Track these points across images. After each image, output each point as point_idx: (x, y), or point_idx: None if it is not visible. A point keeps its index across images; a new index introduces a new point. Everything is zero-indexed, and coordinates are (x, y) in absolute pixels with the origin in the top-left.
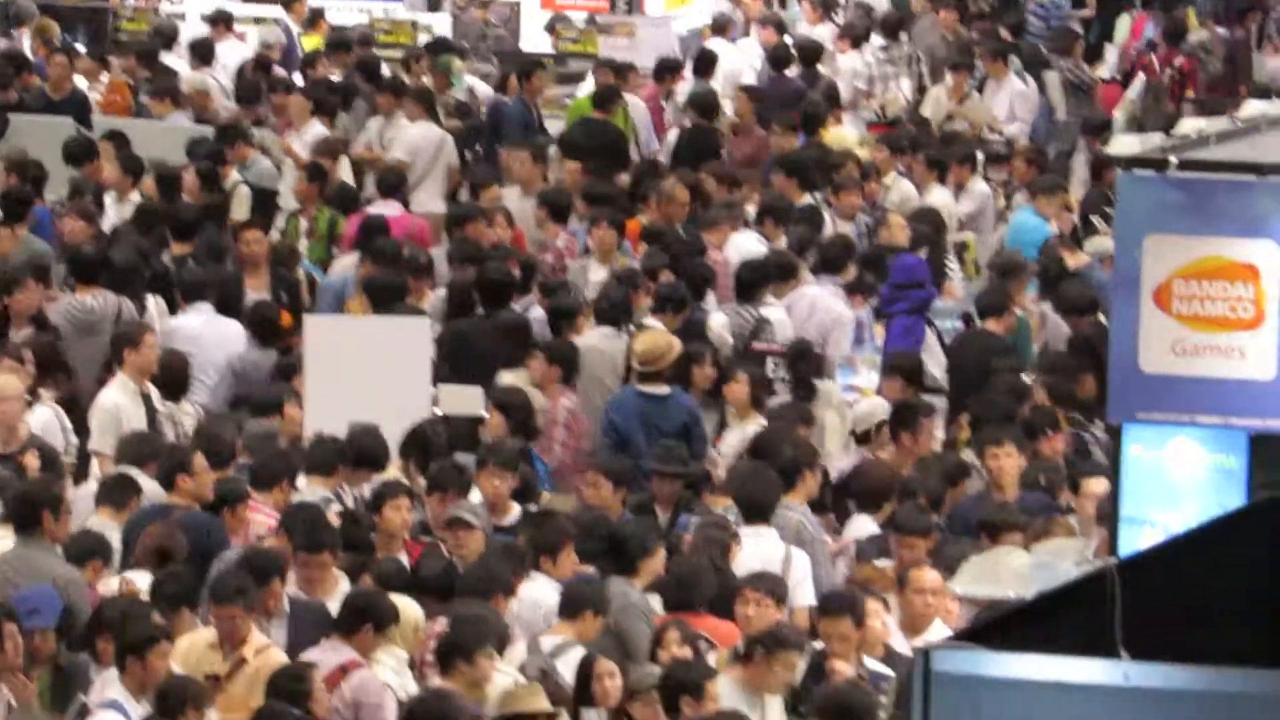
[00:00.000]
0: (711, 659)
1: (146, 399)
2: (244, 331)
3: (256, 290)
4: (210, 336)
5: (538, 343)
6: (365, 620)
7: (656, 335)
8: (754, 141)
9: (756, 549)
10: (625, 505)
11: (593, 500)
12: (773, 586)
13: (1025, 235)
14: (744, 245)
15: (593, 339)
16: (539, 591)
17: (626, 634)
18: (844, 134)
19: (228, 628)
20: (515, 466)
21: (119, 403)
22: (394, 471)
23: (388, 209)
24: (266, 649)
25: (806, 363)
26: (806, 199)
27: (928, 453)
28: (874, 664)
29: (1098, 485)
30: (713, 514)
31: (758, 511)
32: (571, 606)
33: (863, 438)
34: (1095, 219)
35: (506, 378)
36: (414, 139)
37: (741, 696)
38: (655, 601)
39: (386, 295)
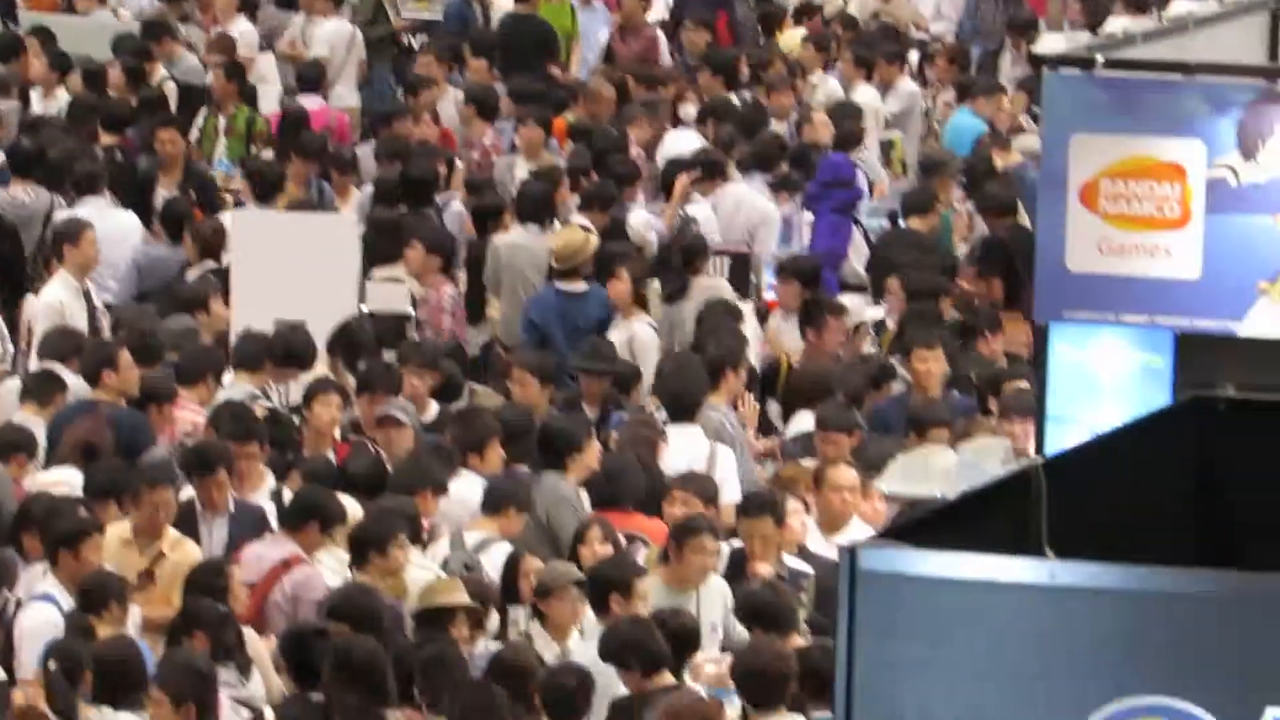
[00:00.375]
0: (641, 556)
1: (87, 295)
2: (139, 224)
3: (170, 190)
4: (105, 230)
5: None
6: (311, 517)
7: (572, 232)
8: (643, 41)
9: (682, 447)
10: (552, 402)
11: (519, 397)
12: (701, 486)
13: (963, 136)
14: (684, 144)
15: (516, 236)
16: (466, 488)
17: (557, 528)
18: (796, 37)
19: (151, 517)
20: (436, 364)
21: (62, 299)
22: (322, 369)
23: (309, 103)
24: (181, 543)
25: (743, 263)
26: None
27: (846, 352)
28: (794, 562)
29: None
30: (641, 411)
31: (683, 410)
32: (494, 502)
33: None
34: (1024, 118)
35: (380, 273)
36: (329, 34)
37: (668, 594)
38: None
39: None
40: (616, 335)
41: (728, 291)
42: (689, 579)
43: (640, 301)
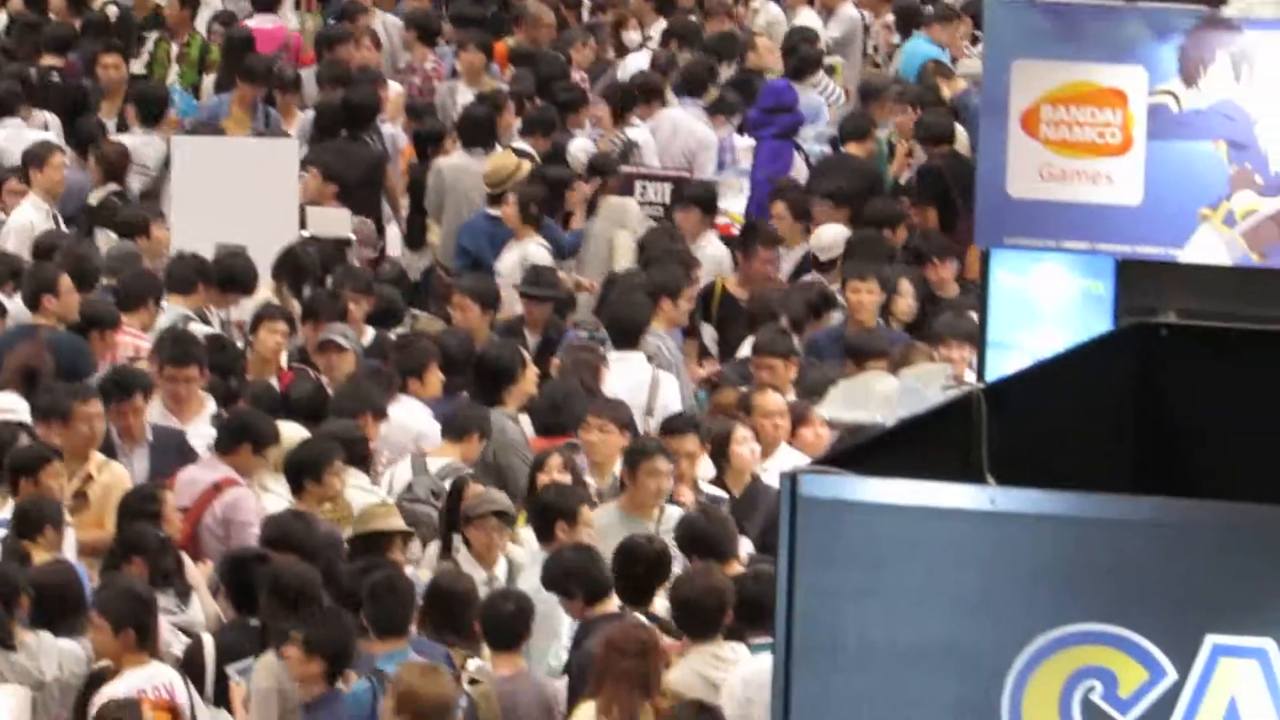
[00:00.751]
0: (593, 484)
1: (55, 219)
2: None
3: (110, 116)
4: (16, 150)
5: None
6: (243, 439)
7: (504, 156)
8: None
9: (625, 373)
10: (492, 327)
11: (460, 323)
12: (617, 413)
13: (915, 63)
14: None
15: (459, 160)
16: (406, 413)
17: (505, 469)
18: None
19: (82, 435)
20: (371, 290)
21: (33, 220)
22: (266, 293)
23: (262, 22)
24: (108, 465)
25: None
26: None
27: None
28: (709, 488)
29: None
30: (582, 337)
31: (626, 336)
32: (456, 428)
33: (826, 265)
34: (966, 44)
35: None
36: None
37: (625, 520)
38: (526, 423)
39: None
40: (510, 256)
41: (634, 210)
42: (645, 503)
43: (532, 221)
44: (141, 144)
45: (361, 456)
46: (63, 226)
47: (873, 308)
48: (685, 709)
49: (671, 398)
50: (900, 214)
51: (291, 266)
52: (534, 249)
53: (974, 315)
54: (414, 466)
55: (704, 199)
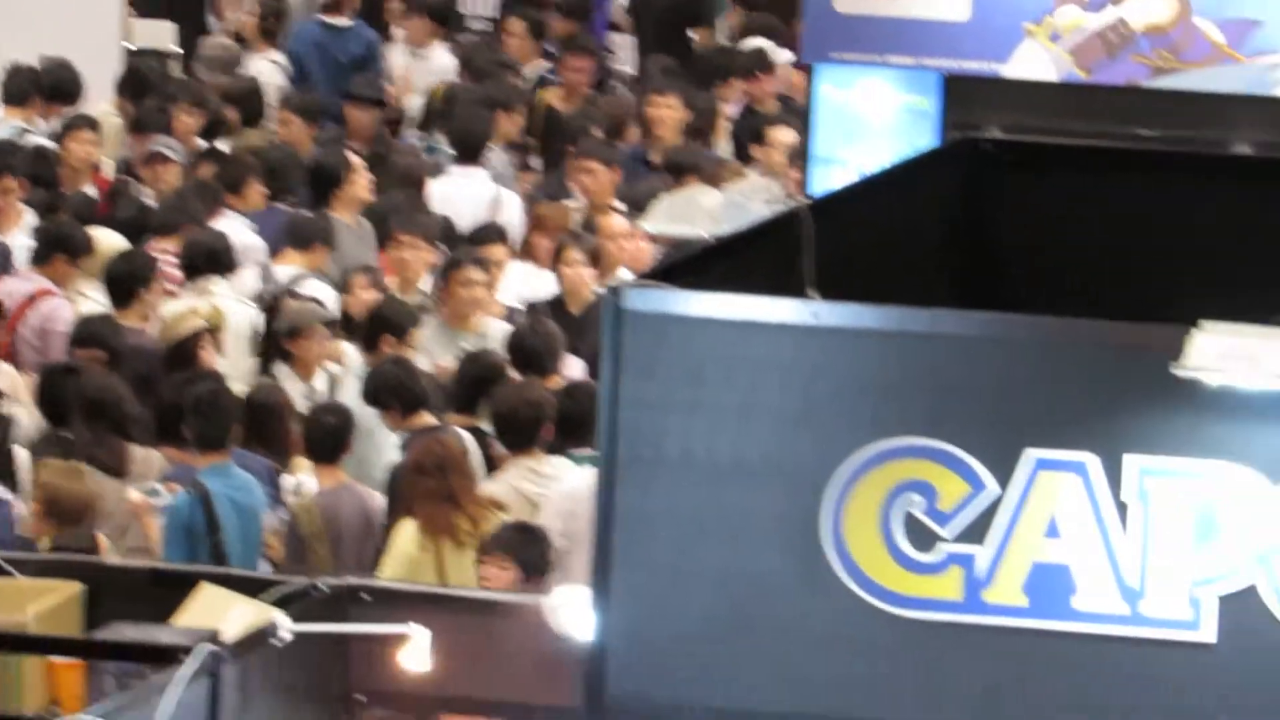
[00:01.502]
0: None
1: None
2: None
3: None
4: None
5: None
6: (57, 250)
7: None
8: None
9: (467, 188)
10: (315, 140)
11: (284, 136)
12: (425, 228)
13: None
14: None
15: None
16: (228, 226)
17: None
18: None
19: None
20: (205, 104)
21: None
22: (107, 106)
23: None
24: None
25: None
26: None
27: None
28: (514, 303)
29: (784, 134)
30: (416, 146)
31: (469, 151)
32: (301, 236)
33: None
34: None
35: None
36: None
37: (445, 333)
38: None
39: None
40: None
41: None
42: (462, 313)
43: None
44: None
45: (227, 265)
46: None
47: (673, 123)
48: (507, 530)
49: (514, 215)
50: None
51: (134, 81)
52: (265, 67)
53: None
54: (262, 275)
55: (438, 11)
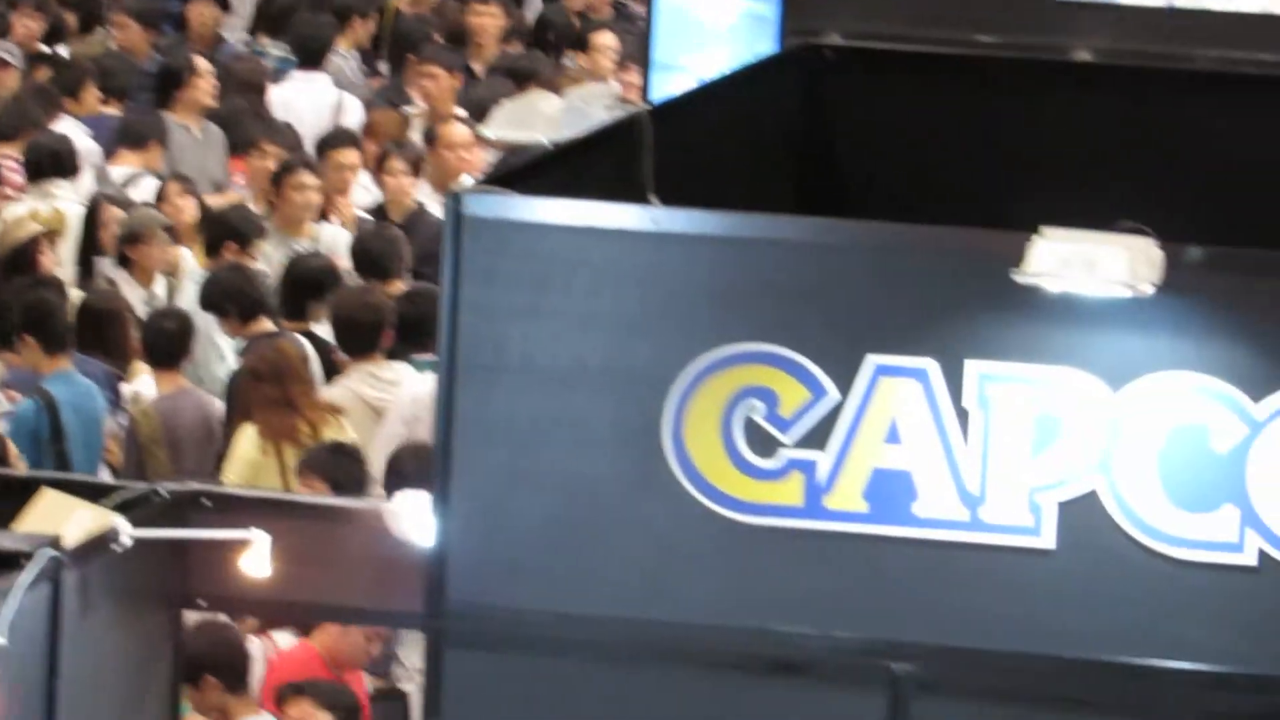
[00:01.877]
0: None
1: None
2: None
3: None
4: None
5: None
6: None
7: None
8: None
9: (309, 93)
10: (155, 47)
11: (122, 42)
12: (286, 137)
13: None
14: None
15: None
16: (65, 131)
17: None
18: None
19: None
20: (45, 8)
21: None
22: None
23: None
24: None
25: None
26: None
27: None
28: (362, 214)
29: (606, 38)
30: (246, 53)
31: (310, 55)
32: (135, 135)
33: None
34: None
35: None
36: None
37: (280, 239)
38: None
39: None
40: None
41: None
42: (296, 218)
43: None
44: None
45: (70, 168)
46: None
47: (493, 31)
48: (319, 450)
49: (355, 120)
50: None
51: None
52: None
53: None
54: (97, 176)
55: None
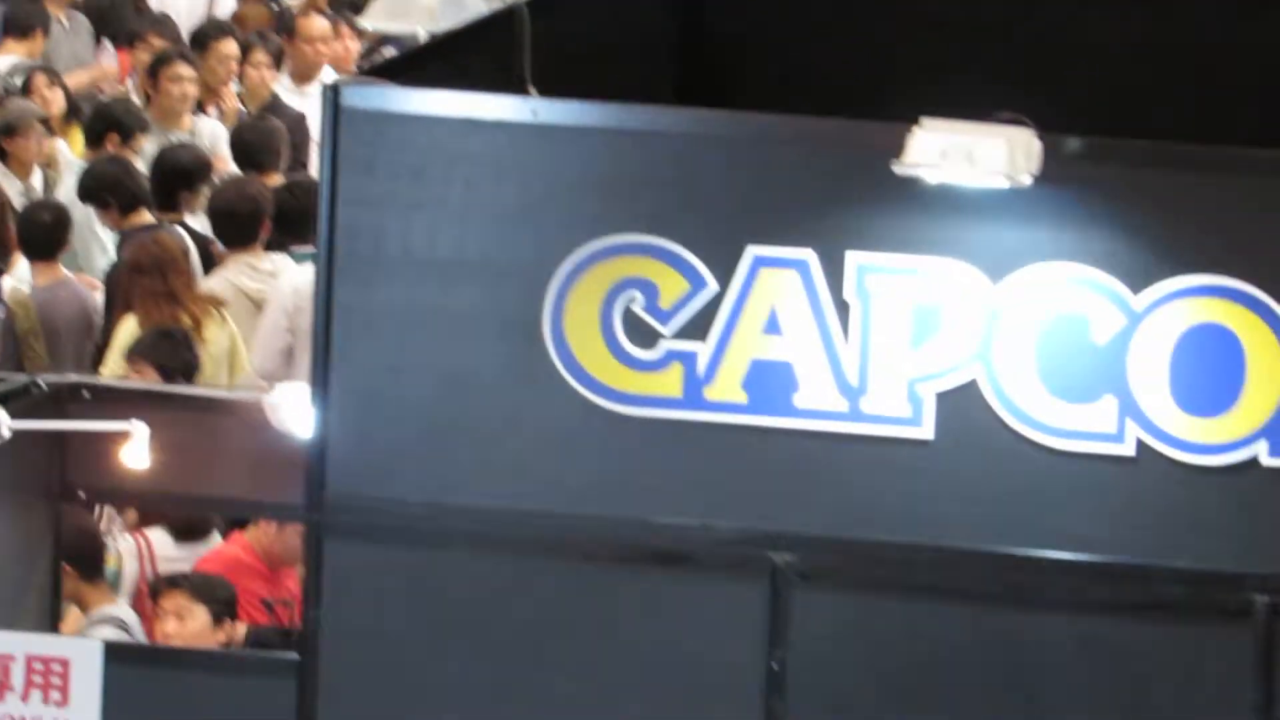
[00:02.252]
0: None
1: None
2: None
3: None
4: None
5: None
6: None
7: None
8: None
9: None
10: None
11: None
12: (167, 28)
13: None
14: None
15: None
16: None
17: None
18: None
19: None
20: None
21: None
22: None
23: None
24: None
25: None
26: None
27: None
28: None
29: None
30: None
31: None
32: (21, 25)
33: None
34: None
35: None
36: None
37: (158, 132)
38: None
39: None
40: None
41: None
42: (173, 109)
43: None
44: None
45: None
46: None
47: None
48: (149, 335)
49: (225, 13)
50: None
51: None
52: None
53: None
54: None
55: None
